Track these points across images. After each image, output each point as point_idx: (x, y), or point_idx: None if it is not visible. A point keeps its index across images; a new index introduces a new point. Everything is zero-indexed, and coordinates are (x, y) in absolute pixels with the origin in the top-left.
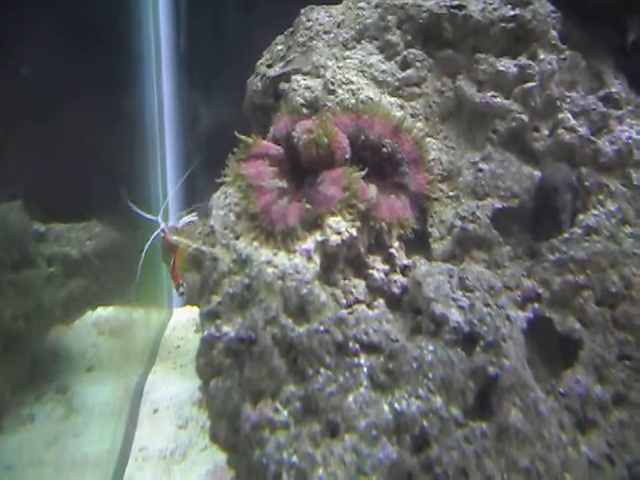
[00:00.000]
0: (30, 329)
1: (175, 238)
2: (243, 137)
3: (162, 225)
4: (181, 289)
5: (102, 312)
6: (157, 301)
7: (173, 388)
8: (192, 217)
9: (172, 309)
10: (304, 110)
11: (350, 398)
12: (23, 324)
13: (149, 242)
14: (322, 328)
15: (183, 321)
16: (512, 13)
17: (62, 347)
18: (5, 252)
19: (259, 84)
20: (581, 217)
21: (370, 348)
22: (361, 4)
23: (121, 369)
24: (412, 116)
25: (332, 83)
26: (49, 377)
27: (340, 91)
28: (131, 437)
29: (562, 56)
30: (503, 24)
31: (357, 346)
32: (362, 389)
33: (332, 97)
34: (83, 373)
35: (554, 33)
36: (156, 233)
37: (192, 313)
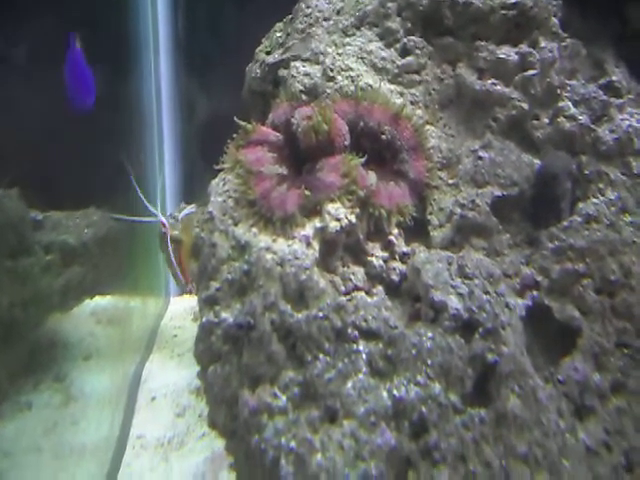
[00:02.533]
0: (27, 317)
1: (176, 232)
2: (242, 123)
3: (163, 220)
4: (189, 287)
5: (100, 301)
6: (154, 290)
7: (170, 376)
8: (191, 208)
9: (169, 298)
10: (303, 97)
11: (349, 384)
12: (20, 312)
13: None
14: (321, 314)
15: (180, 310)
16: (513, 0)
17: (60, 335)
18: (2, 240)
19: (258, 71)
20: (581, 205)
21: (369, 335)
22: None
23: (119, 358)
24: (412, 103)
25: (331, 70)
26: (47, 365)
27: (339, 78)
28: (129, 425)
29: (563, 44)
30: (504, 11)
31: (356, 332)
32: (361, 375)
33: (331, 84)
34: (81, 361)
35: (555, 21)
36: (169, 243)
37: (189, 302)
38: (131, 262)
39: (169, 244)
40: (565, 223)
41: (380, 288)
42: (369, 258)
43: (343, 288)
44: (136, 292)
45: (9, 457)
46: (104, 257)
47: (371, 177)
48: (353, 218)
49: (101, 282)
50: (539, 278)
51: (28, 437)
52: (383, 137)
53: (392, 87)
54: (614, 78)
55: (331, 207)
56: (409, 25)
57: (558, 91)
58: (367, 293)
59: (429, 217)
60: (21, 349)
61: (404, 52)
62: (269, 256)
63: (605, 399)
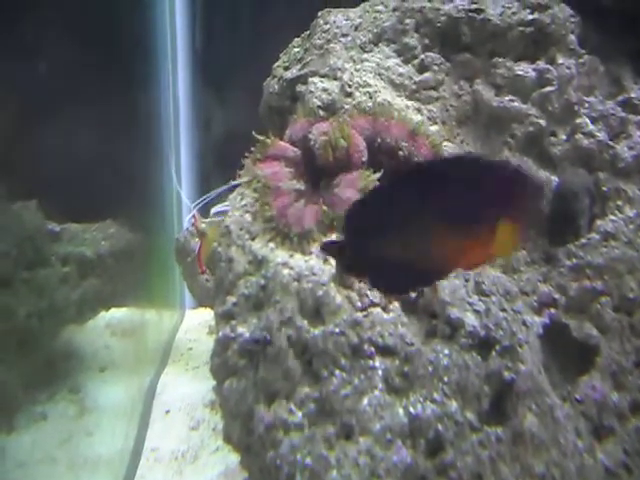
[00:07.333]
0: (44, 328)
1: (204, 225)
2: (261, 137)
3: (194, 212)
4: (206, 276)
5: (115, 313)
6: (170, 303)
7: (185, 390)
8: (224, 206)
9: (184, 311)
10: (321, 112)
11: (365, 401)
12: (37, 323)
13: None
14: (337, 330)
15: (195, 323)
16: (531, 17)
17: (75, 347)
18: (20, 251)
19: (276, 86)
20: (599, 223)
21: (385, 351)
22: (378, 7)
23: (134, 370)
24: (429, 119)
25: (349, 86)
26: (62, 376)
27: (357, 94)
28: (143, 437)
29: (581, 60)
30: (522, 28)
31: (372, 349)
32: (377, 392)
33: (349, 100)
34: (96, 373)
35: (573, 37)
36: (190, 216)
37: (205, 315)
38: (147, 275)
39: (195, 230)
40: (583, 240)
41: (396, 304)
42: None
43: (359, 304)
44: (151, 305)
45: (23, 467)
46: (120, 269)
47: None
48: None
49: (117, 294)
50: (557, 296)
51: (43, 448)
52: (400, 153)
53: (409, 103)
54: (632, 95)
55: None
56: (427, 41)
57: (576, 108)
58: (383, 309)
59: None
60: (37, 360)
61: (422, 68)
62: (286, 271)
63: (624, 419)
